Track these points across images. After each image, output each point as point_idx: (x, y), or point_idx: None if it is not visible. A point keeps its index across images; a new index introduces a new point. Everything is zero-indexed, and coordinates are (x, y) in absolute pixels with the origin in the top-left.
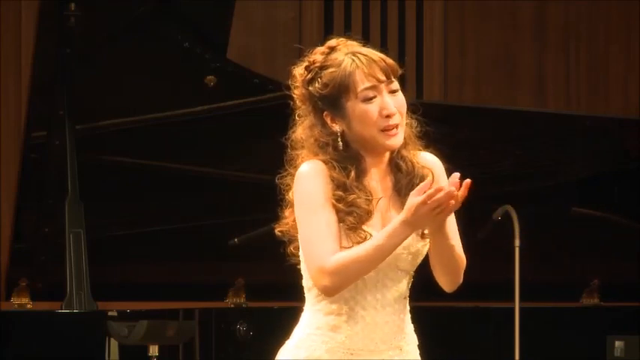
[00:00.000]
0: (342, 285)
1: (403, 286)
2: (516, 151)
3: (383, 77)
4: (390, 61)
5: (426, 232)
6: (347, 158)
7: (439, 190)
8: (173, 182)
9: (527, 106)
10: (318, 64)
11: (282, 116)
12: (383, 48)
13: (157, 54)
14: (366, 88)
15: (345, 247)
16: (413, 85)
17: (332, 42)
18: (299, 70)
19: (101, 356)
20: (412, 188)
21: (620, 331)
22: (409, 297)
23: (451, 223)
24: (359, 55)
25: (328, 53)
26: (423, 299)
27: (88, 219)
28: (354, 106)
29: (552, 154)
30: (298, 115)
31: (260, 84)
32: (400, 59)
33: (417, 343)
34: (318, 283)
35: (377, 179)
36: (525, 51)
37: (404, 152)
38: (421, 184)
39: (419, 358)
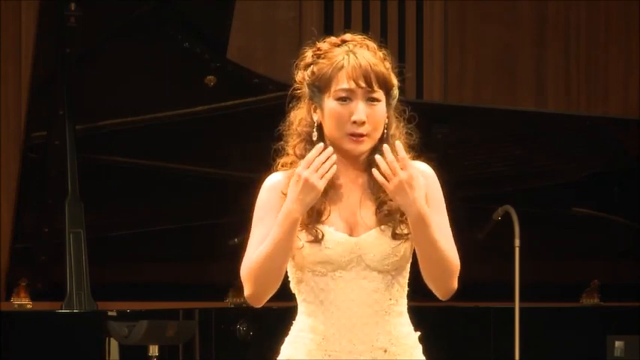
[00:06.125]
0: (258, 290)
1: (384, 287)
2: (516, 151)
3: (362, 84)
4: (380, 70)
5: (399, 232)
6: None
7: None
8: (173, 182)
9: (527, 106)
10: (320, 52)
11: (282, 116)
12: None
13: (156, 54)
14: (342, 89)
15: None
16: (413, 85)
17: (347, 36)
18: (308, 53)
19: (101, 356)
20: (383, 188)
21: (620, 331)
22: (406, 299)
23: (442, 227)
24: (352, 56)
25: (337, 45)
26: (423, 299)
27: (88, 219)
28: (328, 103)
29: (552, 154)
30: (297, 96)
31: (260, 84)
32: (400, 59)
33: (414, 345)
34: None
35: (351, 177)
36: (525, 51)
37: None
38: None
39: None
